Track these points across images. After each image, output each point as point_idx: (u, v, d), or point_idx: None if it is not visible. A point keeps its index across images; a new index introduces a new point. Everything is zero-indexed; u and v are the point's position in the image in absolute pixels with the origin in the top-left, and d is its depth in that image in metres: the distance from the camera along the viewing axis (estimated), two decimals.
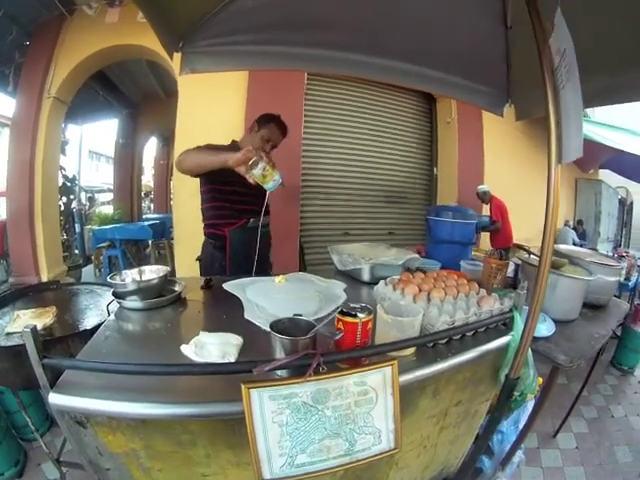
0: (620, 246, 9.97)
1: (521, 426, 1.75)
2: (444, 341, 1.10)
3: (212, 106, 3.71)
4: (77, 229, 6.40)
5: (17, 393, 1.73)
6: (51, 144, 4.33)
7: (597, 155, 5.01)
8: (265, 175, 1.68)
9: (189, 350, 0.98)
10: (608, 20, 1.41)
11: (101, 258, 6.11)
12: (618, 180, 8.24)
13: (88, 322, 1.53)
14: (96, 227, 6.56)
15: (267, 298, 1.39)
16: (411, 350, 0.99)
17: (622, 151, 4.61)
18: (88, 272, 6.11)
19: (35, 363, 0.80)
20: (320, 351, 0.77)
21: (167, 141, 10.09)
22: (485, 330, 1.21)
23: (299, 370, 0.78)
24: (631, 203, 11.17)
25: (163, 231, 7.20)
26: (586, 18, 1.17)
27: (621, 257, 3.95)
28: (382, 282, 1.37)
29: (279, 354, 0.83)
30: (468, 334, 1.17)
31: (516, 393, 1.19)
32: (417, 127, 4.99)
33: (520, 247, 2.12)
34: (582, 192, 7.73)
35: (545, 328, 1.51)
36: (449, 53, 2.00)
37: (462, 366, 1.08)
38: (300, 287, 1.58)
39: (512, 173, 5.78)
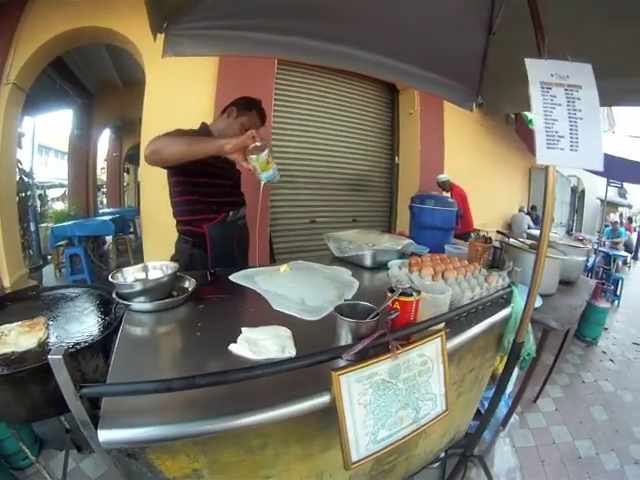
0: (572, 230, 10.79)
1: (509, 391, 1.96)
2: (465, 314, 1.21)
3: (181, 93, 3.58)
4: (32, 227, 6.02)
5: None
6: (9, 135, 3.97)
7: None
8: (269, 162, 1.55)
9: (242, 349, 0.92)
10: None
11: (61, 257, 5.82)
12: (570, 169, 8.82)
13: (91, 332, 1.25)
14: (54, 224, 6.15)
15: (284, 287, 1.38)
16: (443, 323, 1.08)
17: None
18: (48, 273, 5.76)
19: (70, 396, 0.68)
20: (390, 330, 0.83)
21: (121, 132, 9.70)
22: (490, 304, 1.33)
23: (366, 351, 0.83)
24: (582, 191, 12.06)
25: (123, 226, 6.97)
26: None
27: (579, 241, 4.29)
28: (395, 266, 1.45)
29: (345, 338, 0.88)
30: (480, 307, 1.28)
31: (524, 354, 1.34)
32: (380, 117, 5.15)
33: (501, 233, 2.30)
34: (536, 180, 8.24)
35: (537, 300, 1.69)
36: (429, 50, 2.11)
37: (479, 335, 1.20)
38: (309, 275, 1.58)
39: (471, 163, 6.12)
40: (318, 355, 0.80)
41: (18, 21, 3.66)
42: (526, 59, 1.07)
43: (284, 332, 1.01)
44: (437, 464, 1.84)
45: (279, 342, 0.95)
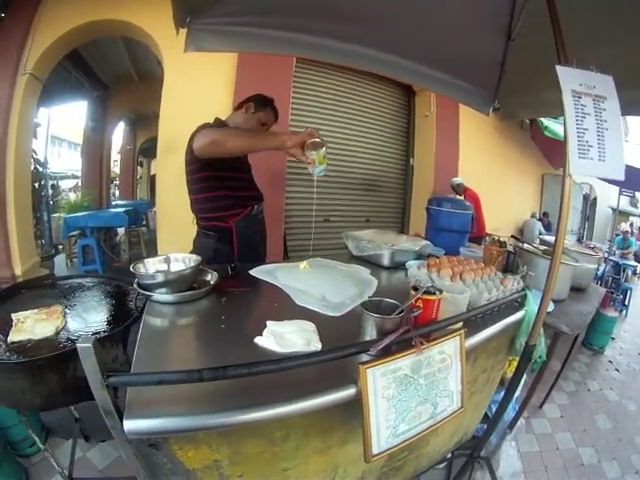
0: (583, 238, 10.73)
1: (516, 395, 1.98)
2: (481, 315, 1.24)
3: (199, 88, 3.60)
4: (45, 217, 6.07)
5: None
6: (25, 125, 3.98)
7: None
8: (324, 157, 1.65)
9: (268, 342, 0.94)
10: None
11: (73, 247, 5.88)
12: (583, 176, 8.79)
13: (110, 321, 1.25)
14: (66, 215, 6.21)
15: (305, 284, 1.41)
16: (461, 323, 1.10)
17: None
18: (59, 262, 5.83)
19: (97, 385, 0.67)
20: (414, 326, 0.86)
21: (135, 125, 9.80)
22: (505, 306, 1.35)
23: (389, 347, 0.85)
24: (595, 199, 11.98)
25: (136, 218, 7.06)
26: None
27: (590, 249, 4.28)
28: (414, 266, 1.49)
29: (370, 333, 0.91)
30: (495, 309, 1.30)
31: (535, 356, 1.36)
32: (395, 119, 5.14)
33: (515, 238, 2.31)
34: (548, 186, 8.18)
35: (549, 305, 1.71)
36: (448, 54, 2.14)
37: (493, 336, 1.22)
38: (328, 272, 1.61)
39: (484, 167, 6.09)
40: (348, 348, 0.82)
41: (36, 11, 3.66)
42: (557, 66, 1.08)
43: (309, 326, 1.04)
44: (443, 464, 1.87)
45: (305, 336, 0.97)
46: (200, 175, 1.85)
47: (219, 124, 1.96)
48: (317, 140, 1.60)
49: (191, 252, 1.93)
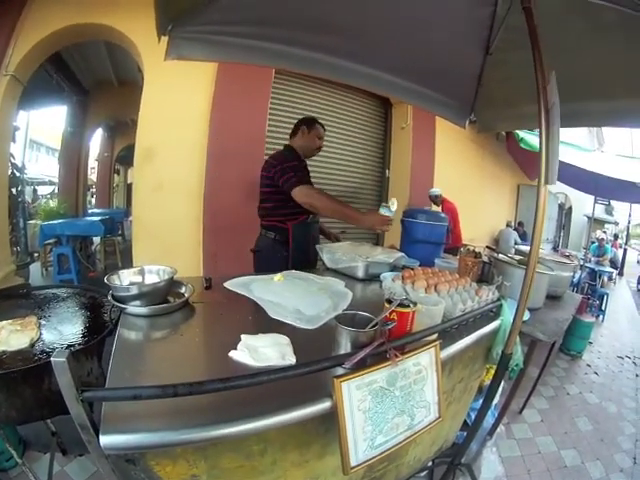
0: (558, 247, 10.99)
1: (495, 402, 2.00)
2: (456, 326, 1.25)
3: (179, 95, 3.58)
4: (21, 224, 5.88)
5: None
6: (3, 128, 3.90)
7: None
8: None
9: (243, 356, 0.93)
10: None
11: (49, 256, 5.72)
12: (558, 186, 9.02)
13: (85, 333, 1.23)
14: (42, 222, 5.96)
15: (279, 296, 1.40)
16: (435, 334, 1.11)
17: (571, 165, 5.07)
18: (34, 271, 5.65)
19: (72, 400, 0.66)
20: (389, 339, 0.87)
21: (113, 132, 9.66)
22: (480, 316, 1.38)
23: (364, 360, 0.86)
24: (570, 208, 12.30)
25: (112, 227, 6.92)
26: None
27: (566, 257, 4.38)
28: (389, 278, 1.49)
29: (345, 346, 0.92)
30: (470, 320, 1.32)
31: (512, 364, 1.39)
32: (372, 130, 5.18)
33: (490, 248, 2.35)
34: (524, 196, 8.39)
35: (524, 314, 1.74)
36: (426, 67, 2.16)
37: (469, 346, 1.24)
38: (303, 285, 1.59)
39: (460, 178, 6.20)
40: (322, 362, 0.82)
41: (20, 13, 3.58)
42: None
43: (283, 340, 1.03)
44: (424, 473, 1.87)
45: (279, 349, 0.96)
46: (274, 189, 2.24)
47: (291, 152, 2.40)
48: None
49: (252, 249, 2.37)
